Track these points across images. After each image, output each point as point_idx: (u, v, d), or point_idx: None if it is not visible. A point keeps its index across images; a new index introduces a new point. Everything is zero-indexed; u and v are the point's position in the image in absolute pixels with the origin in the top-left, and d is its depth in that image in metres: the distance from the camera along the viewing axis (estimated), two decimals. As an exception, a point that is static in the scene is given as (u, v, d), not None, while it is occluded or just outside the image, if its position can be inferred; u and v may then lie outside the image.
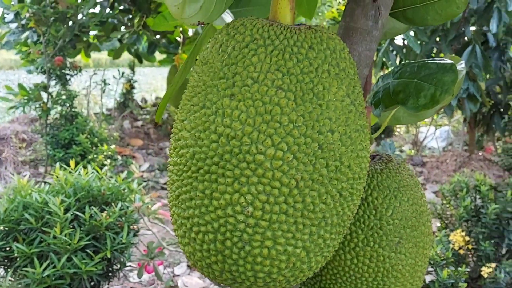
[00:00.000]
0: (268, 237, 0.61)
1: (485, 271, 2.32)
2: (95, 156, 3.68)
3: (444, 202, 2.80)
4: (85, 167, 2.04)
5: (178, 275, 2.79)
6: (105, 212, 1.85)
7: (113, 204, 1.91)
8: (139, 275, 2.07)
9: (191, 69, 0.76)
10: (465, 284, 1.97)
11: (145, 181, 4.98)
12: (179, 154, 0.66)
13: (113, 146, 4.01)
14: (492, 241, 2.43)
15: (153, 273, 2.10)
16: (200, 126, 0.64)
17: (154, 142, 6.05)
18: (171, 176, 0.70)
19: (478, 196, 2.56)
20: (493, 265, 2.32)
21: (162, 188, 5.00)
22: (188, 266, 2.04)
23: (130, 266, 1.93)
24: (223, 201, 0.61)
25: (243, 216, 0.60)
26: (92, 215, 1.77)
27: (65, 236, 1.65)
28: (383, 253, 0.87)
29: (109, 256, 1.74)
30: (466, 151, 4.17)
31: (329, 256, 0.70)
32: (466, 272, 2.37)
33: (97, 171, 2.12)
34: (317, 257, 0.66)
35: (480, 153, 4.22)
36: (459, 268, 2.00)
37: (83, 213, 1.80)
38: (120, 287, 2.34)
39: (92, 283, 1.84)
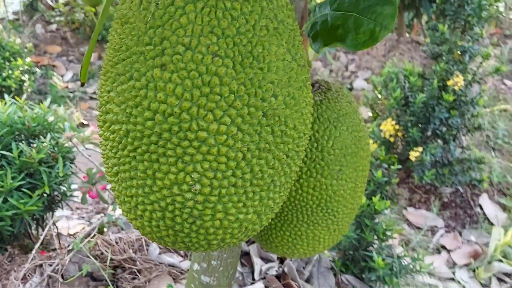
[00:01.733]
0: (219, 210, 0.59)
1: (413, 155, 2.53)
2: (10, 73, 3.35)
3: (376, 92, 2.91)
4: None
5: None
6: (34, 146, 1.74)
7: (41, 136, 1.79)
8: (83, 201, 2.04)
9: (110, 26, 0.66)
10: (397, 179, 2.15)
11: (71, 92, 4.69)
12: (111, 130, 0.61)
13: (28, 59, 3.66)
14: (419, 126, 2.61)
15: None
16: (130, 101, 0.57)
17: (74, 47, 5.59)
18: (104, 150, 0.64)
19: (407, 85, 2.67)
20: (420, 149, 2.53)
21: (92, 98, 4.75)
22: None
23: (71, 195, 1.89)
24: (168, 181, 0.57)
25: (191, 194, 0.58)
26: (22, 151, 1.66)
27: (-4, 179, 1.55)
28: (326, 182, 0.90)
29: (48, 191, 1.68)
30: (396, 35, 4.25)
31: (278, 209, 0.71)
32: (396, 157, 2.57)
33: (17, 101, 1.94)
34: (268, 215, 0.67)
35: (408, 36, 4.33)
36: (392, 166, 2.16)
37: (9, 150, 1.68)
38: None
39: (36, 218, 1.80)
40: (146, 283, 1.37)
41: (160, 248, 1.56)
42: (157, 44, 0.56)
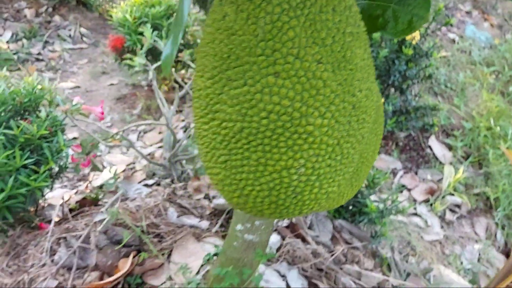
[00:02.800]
0: (316, 186, 0.73)
1: (376, 106, 2.76)
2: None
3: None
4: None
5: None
6: (27, 121, 1.74)
7: (36, 112, 1.78)
8: (77, 170, 2.08)
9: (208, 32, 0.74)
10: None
11: (14, 53, 4.43)
12: (222, 127, 0.71)
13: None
14: (382, 79, 2.83)
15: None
16: (245, 104, 0.68)
17: (6, 3, 5.19)
18: (210, 143, 0.75)
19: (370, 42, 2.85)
20: (383, 99, 2.76)
21: (38, 60, 4.52)
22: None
23: (68, 167, 1.92)
24: (279, 167, 0.70)
25: (296, 176, 0.71)
26: (22, 128, 1.66)
27: (4, 158, 1.56)
28: None
29: (53, 166, 1.70)
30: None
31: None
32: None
33: (-1, 75, 1.88)
34: (347, 187, 0.82)
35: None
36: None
37: (6, 128, 1.67)
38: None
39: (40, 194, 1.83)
40: (172, 244, 1.50)
41: (177, 211, 1.68)
42: (269, 55, 0.66)
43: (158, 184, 2.16)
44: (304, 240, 1.68)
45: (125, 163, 2.72)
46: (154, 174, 2.28)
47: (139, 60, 2.21)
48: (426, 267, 1.98)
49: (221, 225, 1.75)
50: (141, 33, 2.96)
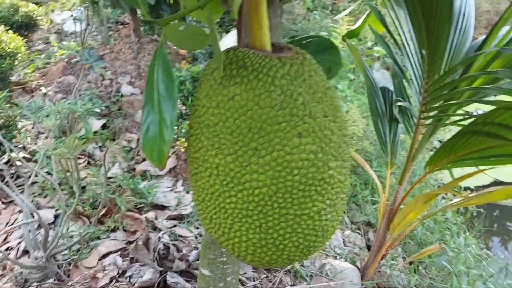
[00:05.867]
0: (337, 220, 0.85)
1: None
2: None
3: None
4: None
5: None
6: None
7: None
8: None
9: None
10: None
11: None
12: (255, 194, 0.77)
13: None
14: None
15: None
16: (278, 167, 0.76)
17: None
18: (238, 213, 0.78)
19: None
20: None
21: None
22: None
23: None
24: (312, 213, 0.79)
25: (324, 216, 0.81)
26: None
27: None
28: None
29: None
30: (136, 37, 4.47)
31: None
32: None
33: None
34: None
35: (148, 36, 4.61)
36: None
37: None
38: None
39: None
40: None
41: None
42: (289, 120, 0.75)
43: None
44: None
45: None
46: (26, 281, 1.96)
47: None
48: (320, 264, 2.25)
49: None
50: None
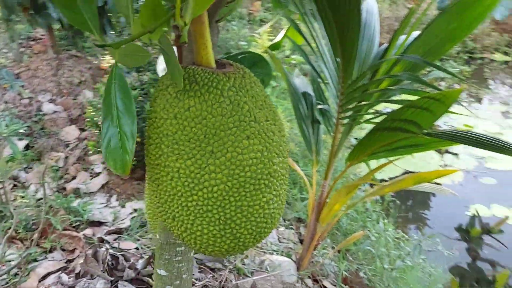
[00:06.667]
0: (282, 209, 1.00)
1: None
2: None
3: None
4: None
5: None
6: None
7: None
8: None
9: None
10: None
11: None
12: (214, 191, 0.89)
13: None
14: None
15: None
16: (232, 166, 0.89)
17: None
18: (199, 209, 0.90)
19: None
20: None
21: None
22: None
23: None
24: (262, 203, 0.93)
25: (272, 205, 0.96)
26: None
27: None
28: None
29: None
30: (54, 53, 4.35)
31: None
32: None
33: None
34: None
35: (66, 52, 4.51)
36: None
37: None
38: None
39: None
40: None
41: None
42: (238, 126, 0.89)
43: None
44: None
45: None
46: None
47: None
48: (259, 260, 2.40)
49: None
50: None
